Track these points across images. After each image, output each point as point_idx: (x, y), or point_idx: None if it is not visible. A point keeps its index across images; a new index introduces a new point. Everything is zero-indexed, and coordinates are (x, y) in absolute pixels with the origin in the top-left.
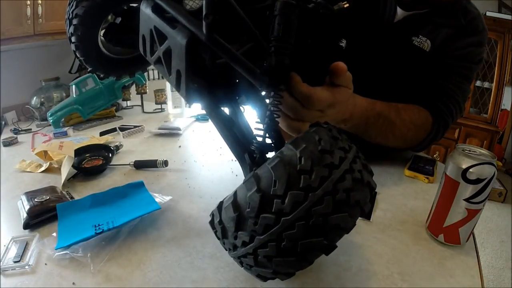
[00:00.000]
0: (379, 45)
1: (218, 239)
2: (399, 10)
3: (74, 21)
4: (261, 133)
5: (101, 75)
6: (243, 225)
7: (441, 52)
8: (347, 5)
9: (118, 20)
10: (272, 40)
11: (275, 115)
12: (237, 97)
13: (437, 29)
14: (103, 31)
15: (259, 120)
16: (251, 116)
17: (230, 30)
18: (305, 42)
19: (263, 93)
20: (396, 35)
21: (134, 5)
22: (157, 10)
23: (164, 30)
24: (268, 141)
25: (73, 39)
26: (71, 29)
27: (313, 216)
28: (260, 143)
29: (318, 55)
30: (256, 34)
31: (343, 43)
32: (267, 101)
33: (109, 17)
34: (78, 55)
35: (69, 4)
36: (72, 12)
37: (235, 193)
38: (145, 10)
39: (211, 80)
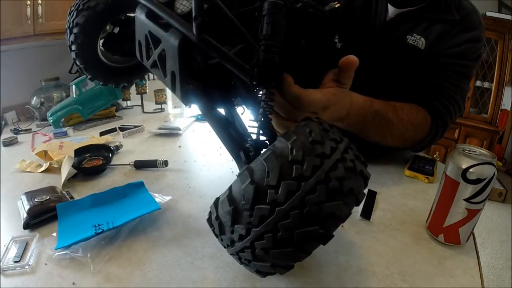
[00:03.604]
0: (373, 45)
1: (216, 236)
2: (390, 8)
3: (75, 30)
4: (255, 130)
5: (100, 83)
6: (239, 218)
7: (437, 50)
8: (338, 5)
9: (116, 29)
10: (261, 39)
11: (267, 113)
12: (233, 99)
13: (431, 26)
14: (102, 40)
15: (253, 119)
16: (247, 116)
17: (221, 33)
18: (298, 43)
19: (259, 93)
20: (389, 34)
21: (132, 15)
22: (151, 15)
23: (158, 34)
24: (263, 138)
25: (73, 47)
26: (72, 38)
27: (307, 205)
28: (255, 141)
29: (313, 56)
30: (245, 34)
31: (336, 40)
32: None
33: (107, 27)
34: (78, 63)
35: (69, 13)
36: (73, 21)
37: (230, 188)
38: (140, 16)
39: (206, 81)
